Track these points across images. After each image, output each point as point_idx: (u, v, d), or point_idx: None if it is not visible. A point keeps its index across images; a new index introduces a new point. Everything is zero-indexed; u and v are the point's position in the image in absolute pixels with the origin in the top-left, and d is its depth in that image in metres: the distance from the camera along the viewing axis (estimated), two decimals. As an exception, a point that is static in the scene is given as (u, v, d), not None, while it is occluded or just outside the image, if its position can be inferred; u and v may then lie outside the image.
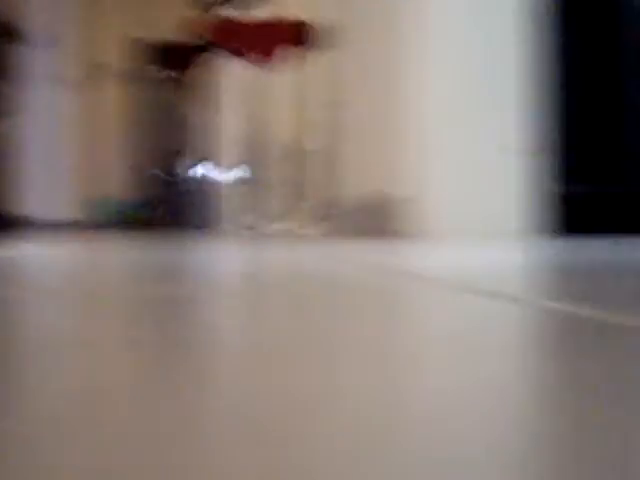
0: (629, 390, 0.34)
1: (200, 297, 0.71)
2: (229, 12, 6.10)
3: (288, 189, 5.67)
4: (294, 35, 5.81)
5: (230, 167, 5.63)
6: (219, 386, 0.32)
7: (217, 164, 5.61)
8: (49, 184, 8.95)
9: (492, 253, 1.63)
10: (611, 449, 0.23)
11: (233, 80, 5.75)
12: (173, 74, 7.12)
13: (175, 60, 6.35)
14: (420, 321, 0.53)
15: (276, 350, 0.38)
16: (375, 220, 3.55)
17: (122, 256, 1.41)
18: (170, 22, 10.58)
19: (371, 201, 3.64)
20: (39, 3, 8.25)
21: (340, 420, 0.27)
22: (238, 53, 5.75)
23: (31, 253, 1.52)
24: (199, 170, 8.08)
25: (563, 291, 0.81)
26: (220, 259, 1.41)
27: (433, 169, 3.06)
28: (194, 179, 7.98)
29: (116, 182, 10.79)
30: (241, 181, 5.87)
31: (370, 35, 3.83)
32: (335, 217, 4.42)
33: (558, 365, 0.39)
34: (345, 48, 4.50)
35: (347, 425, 0.26)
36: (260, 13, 6.37)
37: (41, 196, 8.54)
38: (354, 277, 0.92)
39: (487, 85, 3.10)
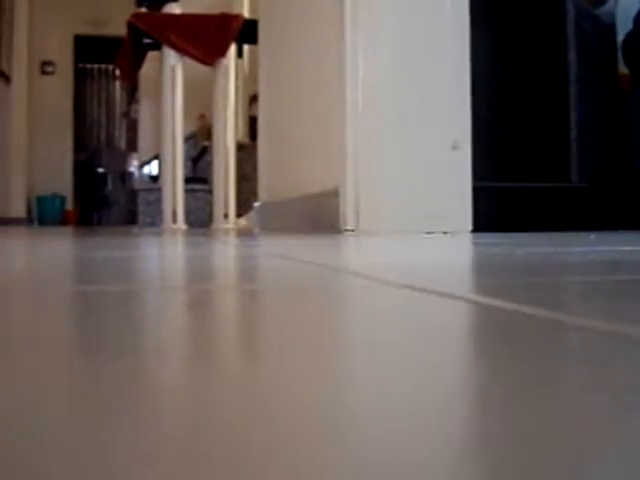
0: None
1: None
2: (170, 8, 6.05)
3: (227, 186, 5.65)
4: (234, 30, 5.79)
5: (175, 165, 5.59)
6: None
7: (165, 162, 5.58)
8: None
9: (425, 249, 1.59)
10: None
11: (177, 76, 5.71)
12: (118, 70, 7.07)
13: (119, 56, 6.29)
14: (359, 318, 0.47)
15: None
16: (306, 215, 3.51)
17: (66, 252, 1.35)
18: (114, 18, 10.55)
19: (302, 195, 3.60)
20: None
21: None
22: (179, 48, 5.72)
23: None
24: (149, 168, 8.02)
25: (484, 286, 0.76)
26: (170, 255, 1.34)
27: (365, 163, 3.01)
28: (144, 177, 7.93)
29: (61, 179, 10.76)
30: (186, 179, 5.83)
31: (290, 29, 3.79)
32: (266, 211, 4.38)
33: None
34: (270, 42, 4.48)
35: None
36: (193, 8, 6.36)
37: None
38: (292, 274, 0.85)
39: (418, 78, 3.06)
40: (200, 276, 0.87)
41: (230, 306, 0.56)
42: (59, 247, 1.62)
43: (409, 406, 0.26)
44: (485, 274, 0.92)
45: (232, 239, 2.49)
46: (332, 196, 3.08)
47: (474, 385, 0.31)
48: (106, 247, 1.66)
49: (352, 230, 2.94)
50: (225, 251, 1.50)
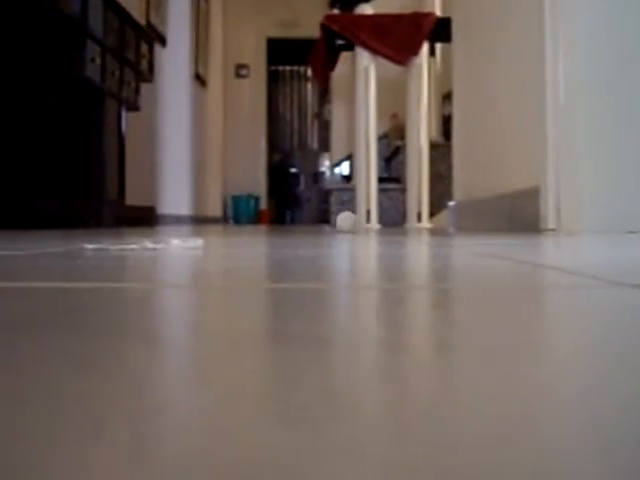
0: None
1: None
2: (362, 8, 6.09)
3: (421, 185, 5.63)
4: (426, 29, 5.78)
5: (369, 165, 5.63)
6: None
7: (358, 162, 5.64)
8: (184, 180, 9.17)
9: (635, 249, 1.54)
10: None
11: (370, 76, 5.74)
12: (311, 72, 7.18)
13: (312, 58, 6.37)
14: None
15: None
16: (503, 214, 3.45)
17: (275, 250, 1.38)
18: (305, 20, 10.71)
19: (500, 194, 3.54)
20: (175, 5, 8.45)
21: None
22: (372, 49, 5.75)
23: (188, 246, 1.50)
24: (340, 168, 8.10)
25: None
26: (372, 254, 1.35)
27: (566, 161, 2.94)
28: (336, 177, 8.01)
29: (256, 180, 11.02)
30: (378, 178, 5.85)
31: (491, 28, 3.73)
32: (461, 211, 4.34)
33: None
34: (464, 39, 4.42)
35: None
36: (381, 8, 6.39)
37: (175, 192, 8.75)
38: (516, 274, 0.84)
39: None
40: (426, 275, 0.86)
41: (476, 306, 0.55)
42: (271, 244, 1.65)
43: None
44: None
45: (431, 238, 2.47)
46: (532, 195, 3.02)
47: None
48: (309, 245, 1.67)
49: (553, 229, 2.87)
50: (433, 250, 1.49)
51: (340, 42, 6.00)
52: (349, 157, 7.55)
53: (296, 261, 1.12)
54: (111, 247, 1.47)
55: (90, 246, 1.50)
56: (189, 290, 0.67)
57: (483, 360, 0.34)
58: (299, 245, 1.74)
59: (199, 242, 1.55)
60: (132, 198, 6.28)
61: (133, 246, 1.48)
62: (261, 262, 1.09)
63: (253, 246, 1.65)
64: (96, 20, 4.43)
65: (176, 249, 1.43)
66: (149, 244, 1.54)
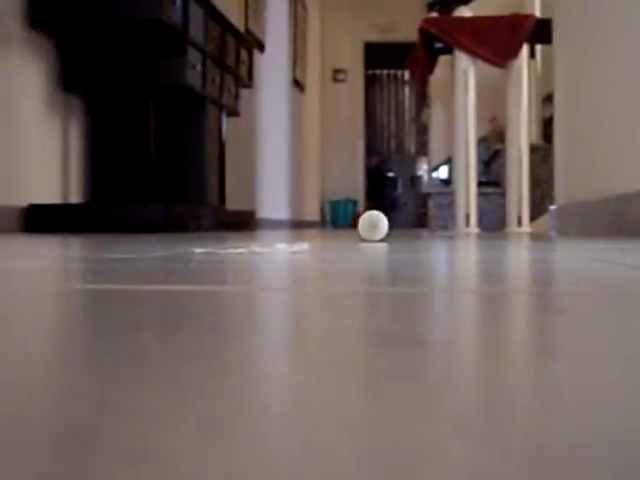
0: None
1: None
2: (461, 11, 6.06)
3: (521, 188, 5.57)
4: (526, 30, 5.72)
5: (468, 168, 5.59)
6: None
7: (457, 166, 5.61)
8: (283, 184, 9.23)
9: None
10: None
11: (469, 79, 5.70)
12: (410, 75, 7.17)
13: (411, 61, 6.36)
14: None
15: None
16: (609, 218, 3.39)
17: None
18: (402, 24, 10.69)
19: (604, 197, 3.48)
20: (273, 11, 8.52)
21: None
22: (471, 51, 5.71)
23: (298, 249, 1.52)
24: (438, 172, 8.05)
25: None
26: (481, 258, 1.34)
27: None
28: (434, 181, 7.97)
29: (353, 184, 11.04)
30: (478, 182, 5.81)
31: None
32: (563, 215, 4.27)
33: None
34: (566, 41, 4.35)
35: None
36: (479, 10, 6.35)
37: (274, 196, 8.81)
38: (621, 279, 0.83)
39: None
40: (550, 280, 0.85)
41: (602, 311, 0.54)
42: (373, 249, 1.65)
43: None
44: None
45: (534, 242, 2.44)
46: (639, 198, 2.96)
47: None
48: (413, 249, 1.67)
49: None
50: (539, 254, 1.47)
51: (439, 45, 5.97)
52: (448, 161, 7.51)
53: (406, 265, 1.11)
54: (218, 251, 1.48)
55: (198, 250, 1.51)
56: (311, 293, 0.67)
57: (613, 364, 0.33)
58: (403, 249, 1.74)
59: (305, 246, 1.56)
60: (232, 203, 6.35)
61: (241, 250, 1.50)
62: (369, 266, 1.08)
63: (356, 250, 1.64)
64: (197, 28, 4.49)
65: (283, 253, 1.44)
66: (256, 248, 1.55)
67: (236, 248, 1.59)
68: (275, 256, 1.33)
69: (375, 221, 2.26)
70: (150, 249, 1.63)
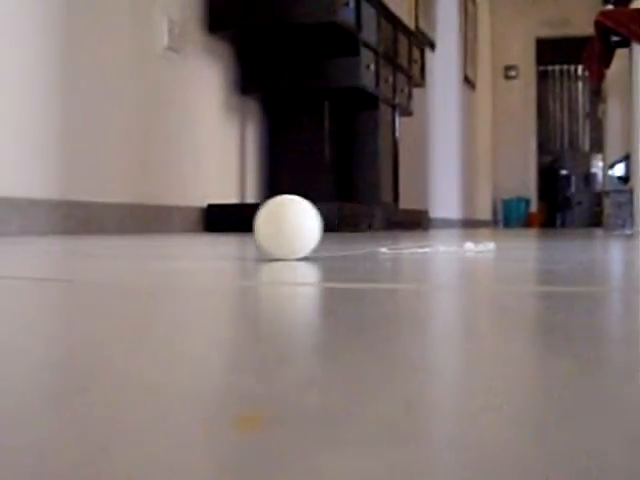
0: None
1: None
2: (638, 3, 5.88)
3: None
4: None
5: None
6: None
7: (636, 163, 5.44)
8: (454, 183, 9.17)
9: None
10: None
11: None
12: (586, 71, 7.00)
13: (587, 56, 6.21)
14: None
15: None
16: None
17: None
18: (575, 18, 10.45)
19: None
20: (443, 10, 8.48)
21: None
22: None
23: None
24: (613, 170, 7.84)
25: None
26: None
27: None
28: (611, 178, 7.76)
29: (525, 182, 10.87)
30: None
31: None
32: None
33: None
34: None
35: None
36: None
37: (445, 195, 8.77)
38: None
39: None
40: None
41: None
42: (562, 248, 1.62)
43: None
44: None
45: None
46: None
47: None
48: (605, 249, 1.63)
49: None
50: None
51: (615, 39, 5.81)
52: (625, 158, 7.29)
53: (611, 263, 1.09)
54: (405, 250, 1.49)
55: (383, 249, 1.53)
56: (530, 293, 0.67)
57: None
58: (592, 249, 1.70)
59: (491, 245, 1.55)
60: (404, 202, 6.36)
61: (426, 249, 1.50)
62: (569, 265, 1.07)
63: (542, 250, 1.62)
64: (369, 28, 4.53)
65: (470, 252, 1.43)
66: (442, 247, 1.56)
67: (421, 247, 1.60)
68: (464, 255, 1.32)
69: (280, 220, 1.14)
70: (339, 248, 1.65)
